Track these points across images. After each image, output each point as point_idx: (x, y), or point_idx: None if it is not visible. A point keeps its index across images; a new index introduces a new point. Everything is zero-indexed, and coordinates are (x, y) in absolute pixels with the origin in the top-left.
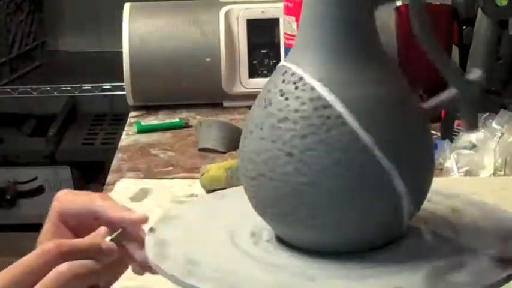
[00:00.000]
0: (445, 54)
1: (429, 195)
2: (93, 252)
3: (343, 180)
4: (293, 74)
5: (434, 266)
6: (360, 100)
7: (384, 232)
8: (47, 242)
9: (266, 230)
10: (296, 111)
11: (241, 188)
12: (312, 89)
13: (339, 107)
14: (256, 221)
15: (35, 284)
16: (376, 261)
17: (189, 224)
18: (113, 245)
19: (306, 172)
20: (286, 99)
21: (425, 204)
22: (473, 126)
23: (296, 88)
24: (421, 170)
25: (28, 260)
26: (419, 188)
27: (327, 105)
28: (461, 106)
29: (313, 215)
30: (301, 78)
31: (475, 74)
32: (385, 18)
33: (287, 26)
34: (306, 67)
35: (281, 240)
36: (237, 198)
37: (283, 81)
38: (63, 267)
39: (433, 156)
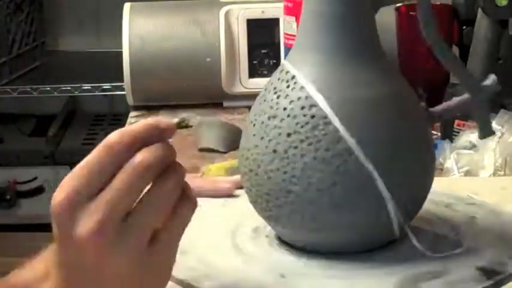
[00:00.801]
0: (457, 59)
1: (439, 198)
2: (153, 130)
3: (326, 179)
4: (287, 72)
5: (411, 273)
6: (347, 101)
7: (370, 235)
8: (109, 136)
9: (268, 226)
10: (284, 109)
11: None
12: (302, 88)
13: (325, 106)
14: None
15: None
16: (355, 265)
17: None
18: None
19: (288, 170)
20: (278, 97)
21: (431, 207)
22: (487, 134)
23: (288, 87)
24: (410, 176)
25: (94, 158)
26: (408, 194)
27: (313, 105)
28: (475, 113)
29: (296, 213)
30: (293, 77)
31: (489, 79)
32: (385, 18)
33: (287, 26)
34: (301, 67)
35: (279, 237)
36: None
37: (279, 79)
38: (137, 158)
39: (430, 162)
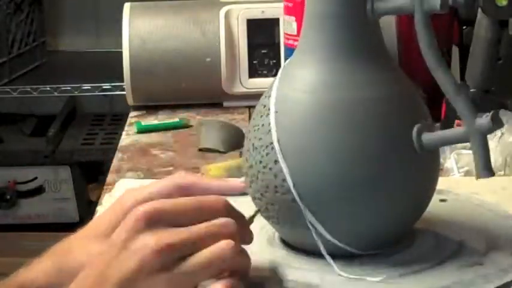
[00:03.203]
0: (459, 86)
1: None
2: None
3: None
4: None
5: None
6: (350, 101)
7: (375, 236)
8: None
9: (270, 227)
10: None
11: None
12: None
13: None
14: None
15: None
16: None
17: None
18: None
19: None
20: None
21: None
22: (486, 174)
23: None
24: (416, 174)
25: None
26: (413, 193)
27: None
28: (473, 149)
29: (298, 213)
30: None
31: (484, 118)
32: (385, 18)
33: (287, 26)
34: (301, 68)
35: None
36: None
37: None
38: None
39: (435, 161)
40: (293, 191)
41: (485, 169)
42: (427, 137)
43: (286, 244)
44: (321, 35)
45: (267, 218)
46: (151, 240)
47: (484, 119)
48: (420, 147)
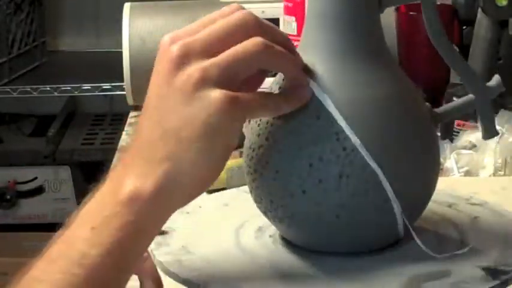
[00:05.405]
0: (462, 58)
1: (441, 198)
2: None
3: (332, 179)
4: None
5: (416, 273)
6: (352, 101)
7: (375, 236)
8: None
9: (272, 226)
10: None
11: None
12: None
13: (330, 106)
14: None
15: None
16: (360, 265)
17: (195, 218)
18: None
19: (294, 170)
20: None
21: (433, 207)
22: (491, 134)
23: None
24: (415, 175)
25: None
26: (413, 193)
27: (319, 105)
28: (479, 114)
29: (301, 213)
30: None
31: (494, 80)
32: (385, 18)
33: (287, 26)
34: None
35: (283, 237)
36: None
37: (284, 79)
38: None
39: (435, 162)
40: None
41: (492, 130)
42: (439, 110)
43: (281, 241)
44: (322, 35)
45: (277, 219)
46: (194, 71)
47: (493, 81)
48: (435, 119)
